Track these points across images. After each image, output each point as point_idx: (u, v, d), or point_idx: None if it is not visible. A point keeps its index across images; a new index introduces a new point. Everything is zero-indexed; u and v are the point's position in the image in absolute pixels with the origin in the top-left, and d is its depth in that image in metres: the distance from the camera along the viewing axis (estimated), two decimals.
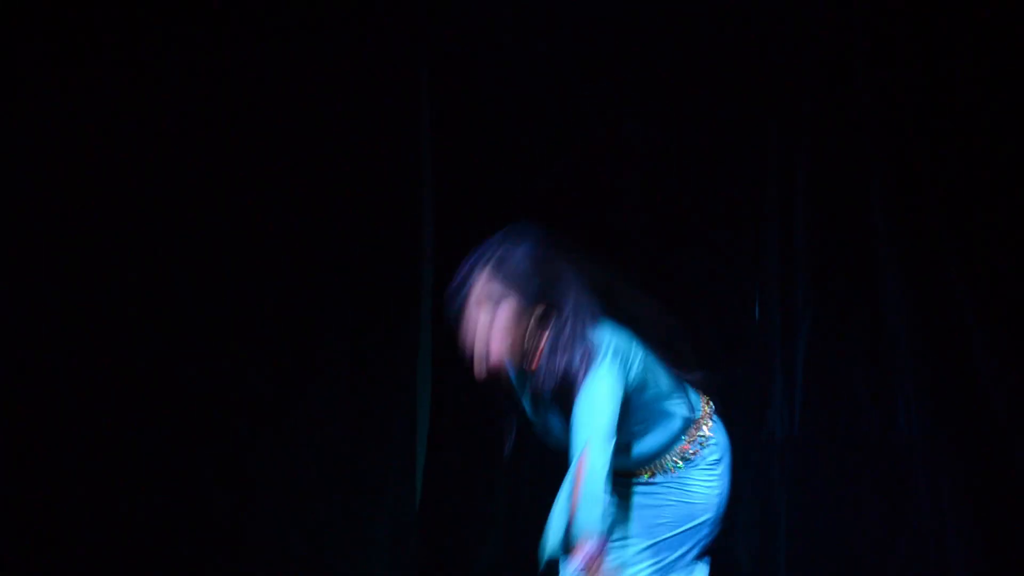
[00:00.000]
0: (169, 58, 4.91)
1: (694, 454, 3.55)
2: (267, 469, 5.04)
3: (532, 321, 3.40)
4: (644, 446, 3.50)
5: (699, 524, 3.55)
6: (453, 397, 5.23)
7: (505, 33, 5.06)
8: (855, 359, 4.83)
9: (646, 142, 5.01)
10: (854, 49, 4.79)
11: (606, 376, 3.31)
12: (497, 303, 3.37)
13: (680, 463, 3.53)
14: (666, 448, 3.52)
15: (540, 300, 3.39)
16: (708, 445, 3.57)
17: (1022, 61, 4.56)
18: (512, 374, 3.51)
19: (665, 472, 3.54)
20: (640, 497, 3.55)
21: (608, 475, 3.26)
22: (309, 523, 5.07)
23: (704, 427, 3.58)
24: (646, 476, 3.54)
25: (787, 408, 4.87)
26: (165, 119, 4.93)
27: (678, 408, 3.52)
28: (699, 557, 3.58)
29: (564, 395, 3.35)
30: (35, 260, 4.84)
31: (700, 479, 3.56)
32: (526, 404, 3.56)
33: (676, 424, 3.52)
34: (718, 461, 3.59)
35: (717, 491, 3.57)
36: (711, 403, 3.64)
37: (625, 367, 3.36)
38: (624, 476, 3.53)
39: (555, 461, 4.98)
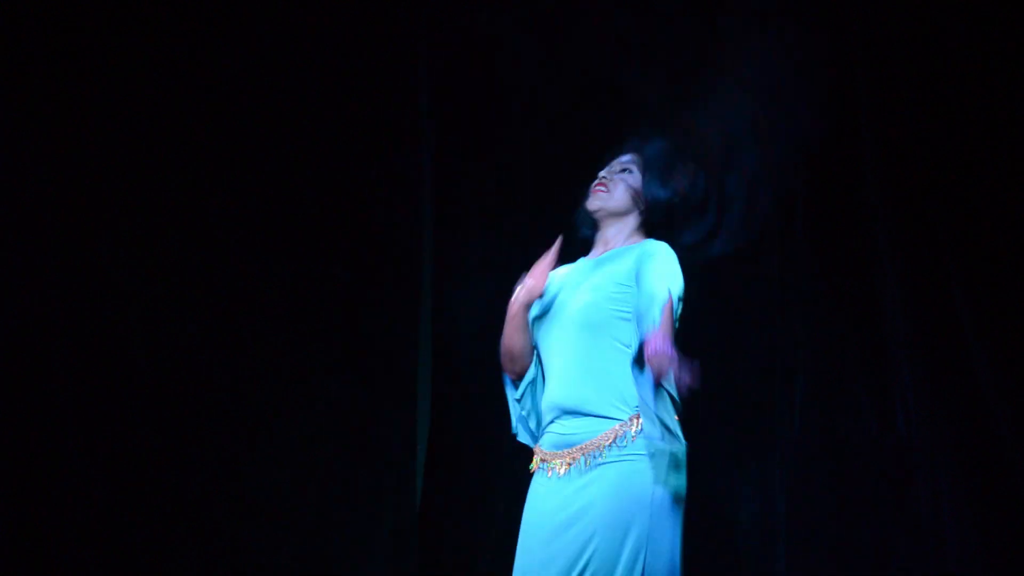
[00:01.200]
0: (164, 54, 4.91)
1: None
2: (268, 469, 5.03)
3: None
4: None
5: None
6: (454, 398, 5.23)
7: (511, 35, 5.06)
8: (854, 362, 4.84)
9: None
10: (853, 58, 4.81)
11: None
12: None
13: None
14: None
15: None
16: None
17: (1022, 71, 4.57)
18: None
19: None
20: None
21: None
22: (310, 523, 5.07)
23: None
24: None
25: (787, 411, 4.87)
26: (162, 117, 4.94)
27: None
28: None
29: None
30: (35, 260, 4.84)
31: None
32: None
33: None
34: None
35: None
36: None
37: None
38: None
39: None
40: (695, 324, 4.90)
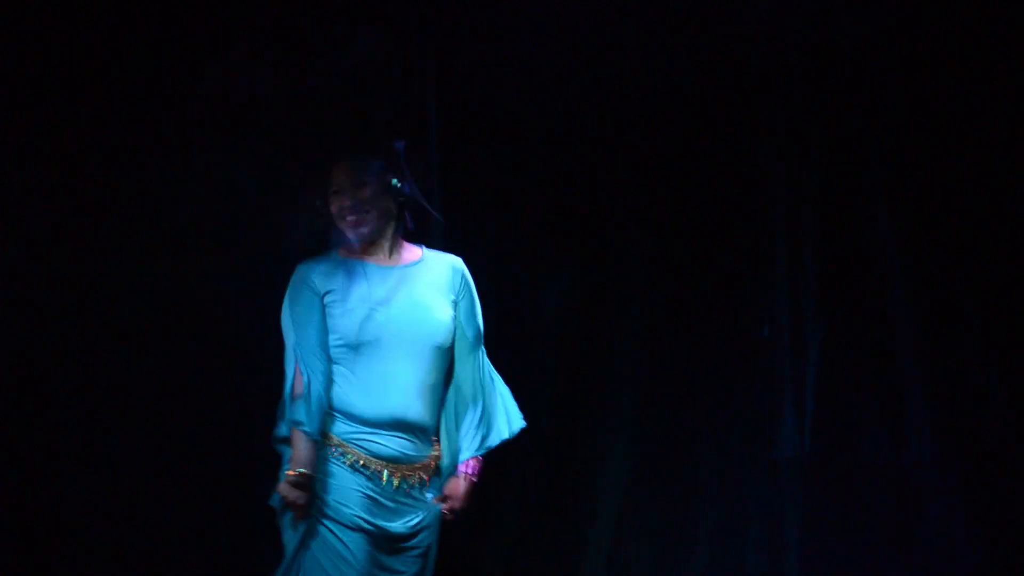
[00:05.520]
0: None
1: None
2: (270, 470, 4.98)
3: None
4: None
5: None
6: None
7: (516, 39, 5.03)
8: (865, 379, 4.84)
9: (655, 159, 5.00)
10: (860, 64, 4.80)
11: None
12: None
13: None
14: None
15: None
16: None
17: None
18: None
19: None
20: None
21: None
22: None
23: None
24: None
25: (797, 428, 4.84)
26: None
27: None
28: None
29: None
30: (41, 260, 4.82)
31: None
32: None
33: None
34: None
35: None
36: None
37: None
38: None
39: (560, 465, 5.03)
40: (705, 342, 4.93)
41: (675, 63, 4.89)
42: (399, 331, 3.58)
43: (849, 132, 4.85)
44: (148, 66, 4.72)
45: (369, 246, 3.66)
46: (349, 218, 3.63)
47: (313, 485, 3.50)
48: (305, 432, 3.50)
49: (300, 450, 3.50)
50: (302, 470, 3.49)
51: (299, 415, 3.51)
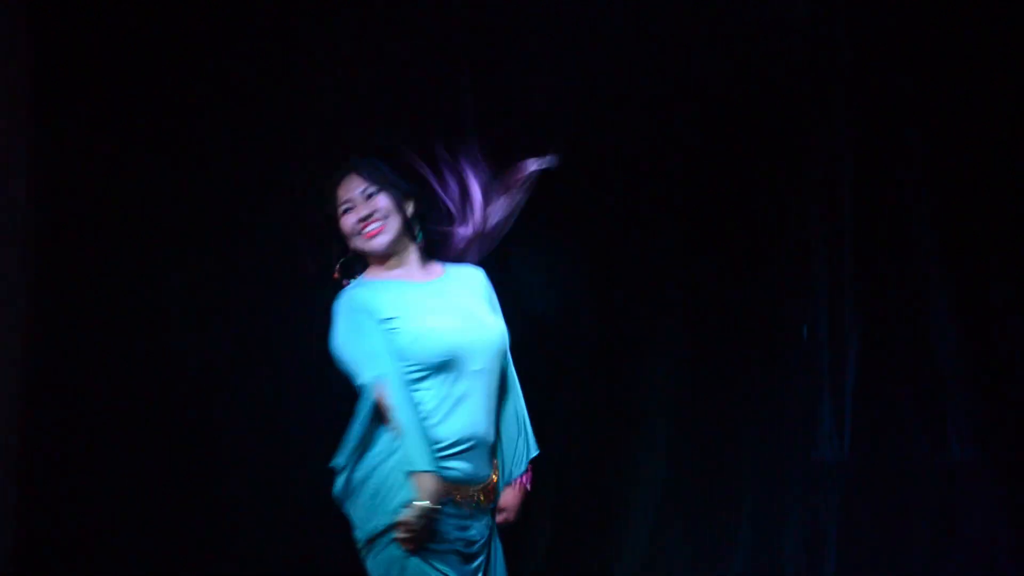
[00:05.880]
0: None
1: None
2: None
3: None
4: None
5: None
6: None
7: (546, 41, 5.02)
8: (905, 381, 4.81)
9: (694, 162, 4.98)
10: (901, 68, 4.77)
11: None
12: None
13: None
14: None
15: None
16: None
17: None
18: None
19: None
20: None
21: None
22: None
23: None
24: None
25: (836, 430, 4.82)
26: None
27: None
28: None
29: None
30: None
31: None
32: None
33: None
34: None
35: None
36: None
37: None
38: None
39: (597, 466, 5.03)
40: (744, 345, 4.91)
41: (714, 62, 4.87)
42: (469, 346, 3.43)
43: (888, 130, 4.81)
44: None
45: (397, 261, 3.53)
46: (367, 230, 3.50)
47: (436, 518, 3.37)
48: (429, 469, 3.33)
49: (427, 483, 3.32)
50: (428, 503, 3.32)
51: (420, 453, 3.33)
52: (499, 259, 3.72)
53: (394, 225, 3.51)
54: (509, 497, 3.57)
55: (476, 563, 3.46)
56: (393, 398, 3.34)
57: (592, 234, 4.99)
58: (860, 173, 4.83)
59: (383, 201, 3.51)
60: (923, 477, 4.75)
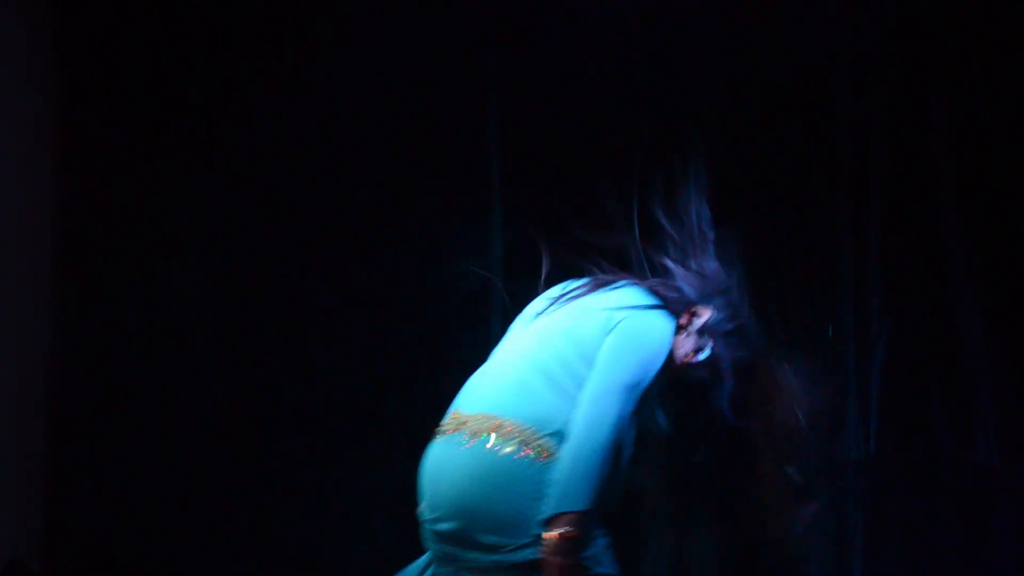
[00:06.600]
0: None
1: None
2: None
3: None
4: None
5: None
6: None
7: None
8: (932, 380, 4.78)
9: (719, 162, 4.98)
10: (926, 64, 4.75)
11: None
12: None
13: None
14: None
15: None
16: None
17: None
18: None
19: None
20: None
21: None
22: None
23: None
24: None
25: (862, 430, 4.81)
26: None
27: None
28: None
29: None
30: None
31: None
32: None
33: None
34: None
35: None
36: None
37: None
38: None
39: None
40: (770, 343, 4.90)
41: (744, 61, 4.87)
42: None
43: (916, 130, 4.79)
44: None
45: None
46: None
47: None
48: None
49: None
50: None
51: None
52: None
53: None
54: None
55: None
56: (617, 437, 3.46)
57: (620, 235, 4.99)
58: (889, 172, 4.82)
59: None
60: (950, 477, 4.72)
